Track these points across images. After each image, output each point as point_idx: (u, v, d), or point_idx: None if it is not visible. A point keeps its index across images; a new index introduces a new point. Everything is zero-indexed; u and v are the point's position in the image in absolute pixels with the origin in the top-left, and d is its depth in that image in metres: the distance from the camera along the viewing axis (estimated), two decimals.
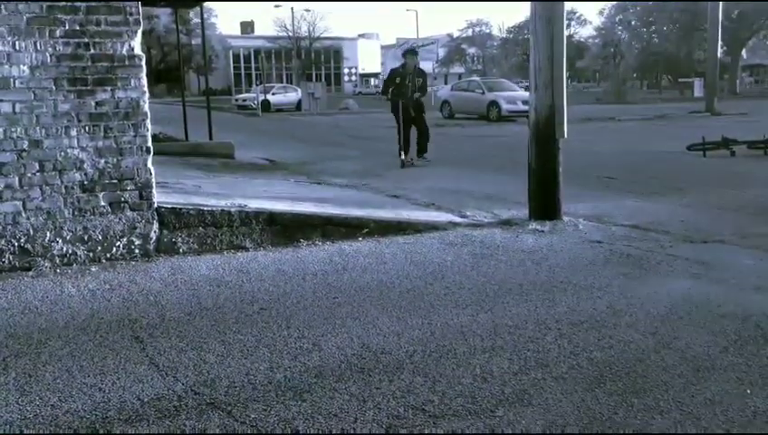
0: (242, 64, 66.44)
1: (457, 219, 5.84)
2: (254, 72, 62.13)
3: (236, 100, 31.89)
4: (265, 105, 29.75)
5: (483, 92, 23.35)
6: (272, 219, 4.91)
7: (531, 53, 5.70)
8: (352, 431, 2.30)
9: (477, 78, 26.11)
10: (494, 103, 22.28)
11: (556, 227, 5.59)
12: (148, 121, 4.51)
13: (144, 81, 4.41)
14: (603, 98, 37.94)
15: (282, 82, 58.41)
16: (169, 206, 4.62)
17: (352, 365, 2.82)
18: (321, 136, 16.92)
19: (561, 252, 4.75)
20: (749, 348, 3.00)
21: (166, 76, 48.47)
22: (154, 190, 4.56)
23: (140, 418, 2.40)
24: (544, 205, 5.80)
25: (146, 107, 4.46)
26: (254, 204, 5.24)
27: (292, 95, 33.04)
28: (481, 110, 22.87)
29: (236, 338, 3.12)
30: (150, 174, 4.55)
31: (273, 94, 32.43)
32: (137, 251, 4.47)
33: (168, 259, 4.50)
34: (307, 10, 70.24)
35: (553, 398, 2.54)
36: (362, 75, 73.21)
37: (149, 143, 4.53)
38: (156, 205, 4.56)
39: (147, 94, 4.45)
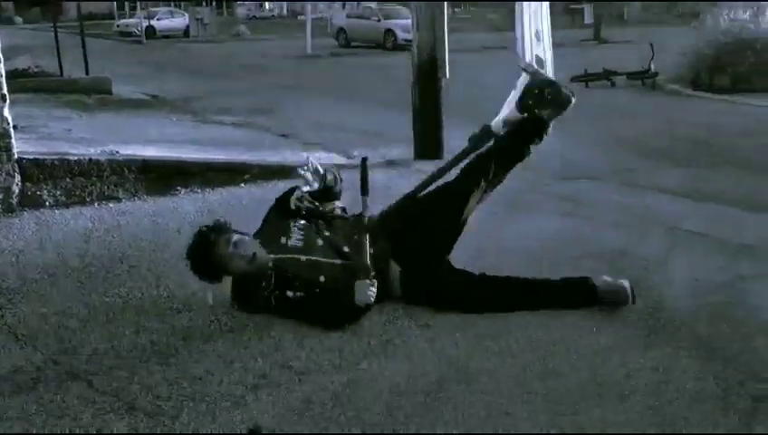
0: None
1: (343, 161, 5.82)
2: None
3: (118, 26, 29.89)
4: (150, 32, 28.09)
5: (378, 20, 23.06)
6: (146, 167, 4.72)
7: (414, 37, 5.66)
8: (217, 393, 2.32)
9: (373, 4, 25.59)
10: (390, 32, 22.07)
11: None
12: (1, 66, 4.17)
13: None
14: (501, 26, 38.25)
15: (168, 6, 55.18)
16: (32, 157, 4.34)
17: (222, 325, 2.81)
18: (210, 67, 16.27)
19: None
20: None
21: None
22: (13, 141, 4.26)
23: None
24: (428, 145, 5.88)
25: None
26: (127, 150, 5.01)
27: (180, 20, 31.31)
28: (377, 38, 22.63)
29: (102, 301, 3.03)
30: (8, 124, 4.24)
31: (158, 20, 30.61)
32: None
33: (32, 214, 4.26)
34: None
35: (417, 348, 2.65)
36: None
37: (4, 90, 4.20)
38: (16, 156, 4.27)
39: None
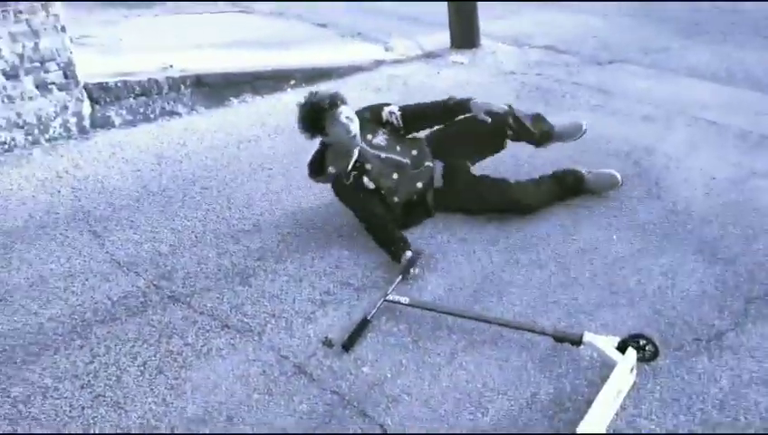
0: None
1: (382, 56, 6.02)
2: None
3: None
4: None
5: None
6: (199, 81, 5.06)
7: None
8: (292, 310, 2.82)
9: None
10: None
11: (476, 56, 5.86)
12: (57, 1, 4.45)
13: None
14: None
15: None
16: (96, 82, 4.72)
17: (289, 245, 3.28)
18: None
19: (477, 87, 5.08)
20: (624, 190, 3.52)
21: None
22: (77, 69, 4.62)
23: (114, 317, 2.86)
24: (463, 34, 6.00)
25: None
26: (180, 62, 5.33)
27: None
28: None
29: (185, 225, 3.52)
30: (71, 52, 4.58)
31: None
32: (74, 129, 4.65)
33: (105, 134, 4.71)
34: None
35: (455, 260, 3.08)
36: None
37: (63, 22, 4.50)
38: (83, 82, 4.65)
39: None
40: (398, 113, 3.46)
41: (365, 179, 3.22)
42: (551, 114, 4.51)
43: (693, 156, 3.86)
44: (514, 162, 3.78)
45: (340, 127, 3.19)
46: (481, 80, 5.29)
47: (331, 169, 3.27)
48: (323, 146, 3.34)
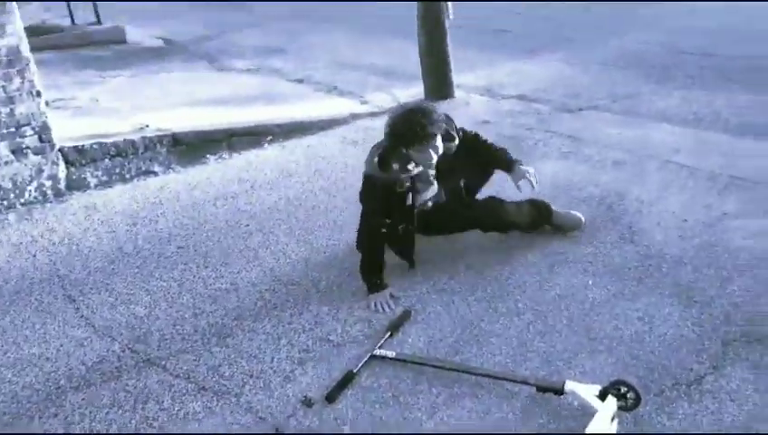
0: None
1: (358, 109, 6.11)
2: None
3: None
4: None
5: None
6: (176, 140, 5.08)
7: None
8: (270, 369, 2.79)
9: None
10: None
11: (450, 107, 5.94)
12: (32, 64, 4.48)
13: (20, 25, 4.33)
14: None
15: None
16: (72, 145, 4.72)
17: (267, 302, 3.26)
18: None
19: None
20: (599, 236, 3.57)
21: None
22: (53, 133, 4.63)
23: (88, 383, 2.80)
24: (437, 85, 6.11)
25: (27, 51, 4.41)
26: (156, 121, 5.36)
27: None
28: None
29: (160, 286, 3.49)
30: (46, 117, 4.60)
31: None
32: (49, 192, 4.63)
33: (80, 196, 4.69)
34: None
35: (434, 311, 3.07)
36: None
37: (39, 87, 4.53)
38: (58, 145, 4.66)
39: (25, 39, 4.38)
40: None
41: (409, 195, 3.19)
42: (525, 162, 4.60)
43: (665, 199, 3.91)
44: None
45: (428, 155, 3.15)
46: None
47: (395, 167, 3.14)
48: (390, 147, 3.20)
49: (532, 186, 3.51)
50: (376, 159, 3.19)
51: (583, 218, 3.60)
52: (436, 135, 3.12)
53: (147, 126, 5.22)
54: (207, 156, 5.17)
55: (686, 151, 4.56)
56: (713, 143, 4.70)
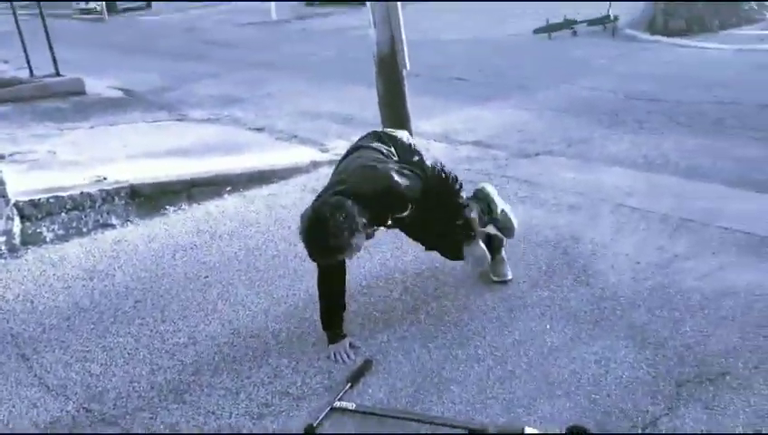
0: None
1: (318, 157, 6.15)
2: None
3: (78, 4, 29.25)
4: (111, 5, 27.62)
5: None
6: (134, 192, 5.04)
7: None
8: (228, 426, 2.74)
9: None
10: None
11: None
12: None
13: None
14: None
15: None
16: (27, 199, 4.65)
17: (225, 356, 3.22)
18: (176, 46, 16.16)
19: None
20: (555, 279, 3.64)
21: None
22: (7, 187, 4.56)
23: None
24: None
25: None
26: (114, 173, 5.31)
27: None
28: None
29: (117, 342, 3.42)
30: (1, 171, 4.54)
31: None
32: (3, 248, 4.53)
33: (35, 251, 4.60)
34: None
35: (395, 360, 3.07)
36: None
37: None
38: (13, 200, 4.58)
39: None
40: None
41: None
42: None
43: (618, 242, 4.01)
44: None
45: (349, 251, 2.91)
46: None
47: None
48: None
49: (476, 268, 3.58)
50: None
51: (510, 276, 3.63)
52: (340, 247, 2.85)
53: (105, 178, 5.17)
54: (167, 207, 5.13)
55: (638, 194, 4.70)
56: (663, 186, 4.85)
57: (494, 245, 3.63)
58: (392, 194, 2.99)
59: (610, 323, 3.18)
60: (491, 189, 3.84)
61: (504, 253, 3.70)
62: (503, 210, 3.77)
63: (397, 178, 3.00)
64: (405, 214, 3.14)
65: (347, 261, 3.13)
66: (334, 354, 3.11)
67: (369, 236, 3.03)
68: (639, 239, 4.01)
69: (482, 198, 3.78)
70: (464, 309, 3.41)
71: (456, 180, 3.32)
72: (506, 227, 3.78)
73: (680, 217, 4.25)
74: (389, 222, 3.20)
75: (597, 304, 3.35)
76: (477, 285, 3.62)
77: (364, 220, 2.89)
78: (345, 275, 3.19)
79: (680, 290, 3.41)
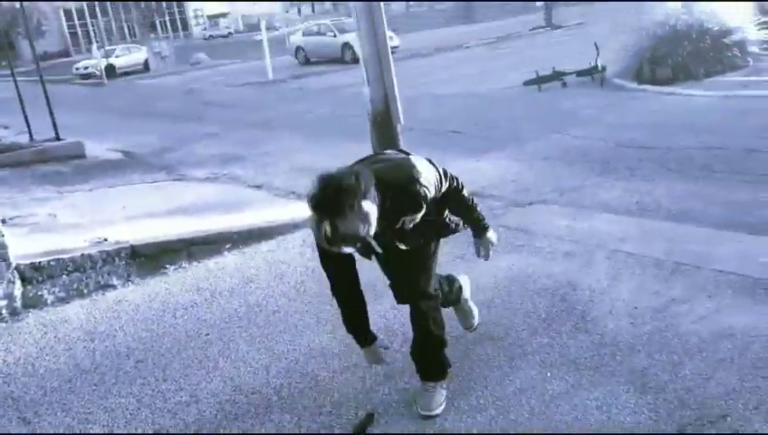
0: (76, 22, 61.64)
1: None
2: (91, 29, 58.07)
3: (77, 69, 29.96)
4: (110, 70, 28.27)
5: (334, 35, 23.47)
6: (134, 252, 5.10)
7: (360, 49, 6.05)
8: None
9: (327, 21, 25.99)
10: (347, 45, 22.43)
11: None
12: None
13: None
14: (453, 18, 39.09)
15: (123, 36, 54.92)
16: (28, 262, 4.70)
17: (227, 414, 3.22)
18: (176, 108, 16.50)
19: None
20: (554, 326, 3.66)
21: None
22: (9, 251, 4.62)
23: None
24: None
25: None
26: (114, 234, 5.38)
27: (138, 55, 31.49)
28: (335, 52, 23.05)
29: (118, 402, 3.42)
30: (2, 235, 4.60)
31: (116, 57, 30.78)
32: (4, 312, 4.56)
33: (36, 314, 4.62)
34: None
35: (397, 412, 3.08)
36: (210, 17, 70.13)
37: None
38: (14, 264, 4.63)
39: None
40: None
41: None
42: (479, 260, 4.73)
43: (615, 288, 4.05)
44: None
45: (355, 226, 2.51)
46: None
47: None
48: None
49: (488, 255, 3.33)
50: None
51: (476, 323, 3.61)
52: (351, 206, 2.47)
53: (105, 239, 5.24)
54: (167, 266, 5.18)
55: (632, 240, 4.76)
56: (656, 231, 4.91)
57: (453, 295, 3.46)
58: (413, 186, 2.72)
59: (611, 369, 3.20)
60: (465, 282, 3.63)
61: (466, 301, 3.57)
62: (467, 300, 3.60)
63: (422, 171, 2.77)
64: (417, 216, 2.81)
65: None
66: (368, 360, 3.06)
67: (369, 241, 2.68)
68: (635, 284, 4.05)
69: (452, 281, 3.54)
70: (464, 358, 3.43)
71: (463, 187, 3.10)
72: (466, 318, 3.64)
73: (674, 260, 4.30)
74: (399, 225, 2.82)
75: (597, 351, 3.37)
76: (477, 334, 3.64)
77: (378, 200, 2.60)
78: (358, 281, 2.91)
79: (678, 334, 3.43)
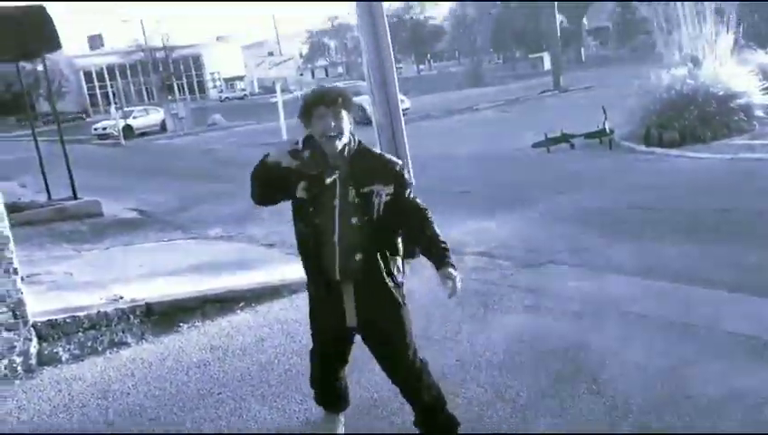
0: (96, 83, 63.48)
1: None
2: (110, 91, 59.73)
3: (95, 129, 30.71)
4: (128, 130, 28.94)
5: None
6: (149, 310, 5.17)
7: (372, 113, 6.25)
8: None
9: (341, 84, 26.62)
10: (359, 107, 22.86)
11: (415, 266, 6.18)
12: (11, 245, 4.65)
13: (2, 208, 4.55)
14: (463, 82, 39.97)
15: (141, 98, 56.45)
16: (45, 319, 4.78)
17: None
18: (192, 167, 16.84)
19: (419, 294, 5.32)
20: (566, 387, 3.67)
21: (13, 107, 45.39)
22: (27, 308, 4.70)
23: None
24: (404, 246, 6.38)
25: (7, 230, 4.60)
26: (130, 292, 5.46)
27: (155, 116, 32.27)
28: None
29: None
30: (21, 293, 4.69)
31: (134, 118, 31.55)
32: (19, 369, 4.61)
33: (51, 371, 4.67)
34: (158, 21, 67.99)
35: None
36: (226, 80, 72.07)
37: (15, 264, 4.67)
38: (31, 321, 4.71)
39: (6, 219, 4.59)
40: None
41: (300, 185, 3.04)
42: (489, 317, 4.76)
43: (626, 349, 4.06)
44: None
45: (327, 123, 2.92)
46: (421, 287, 5.54)
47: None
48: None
49: (454, 291, 3.09)
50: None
51: None
52: (335, 102, 2.93)
53: (121, 297, 5.32)
54: (181, 324, 5.24)
55: (642, 301, 4.78)
56: (666, 292, 4.94)
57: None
58: (391, 159, 3.17)
59: (623, 432, 3.19)
60: None
61: None
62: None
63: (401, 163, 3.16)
64: (385, 190, 3.00)
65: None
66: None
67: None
68: (646, 346, 4.07)
69: None
70: (477, 420, 3.43)
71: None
72: None
73: (684, 322, 4.32)
74: (366, 190, 2.99)
75: (609, 413, 3.37)
76: (489, 396, 3.65)
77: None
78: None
79: (689, 396, 3.43)
